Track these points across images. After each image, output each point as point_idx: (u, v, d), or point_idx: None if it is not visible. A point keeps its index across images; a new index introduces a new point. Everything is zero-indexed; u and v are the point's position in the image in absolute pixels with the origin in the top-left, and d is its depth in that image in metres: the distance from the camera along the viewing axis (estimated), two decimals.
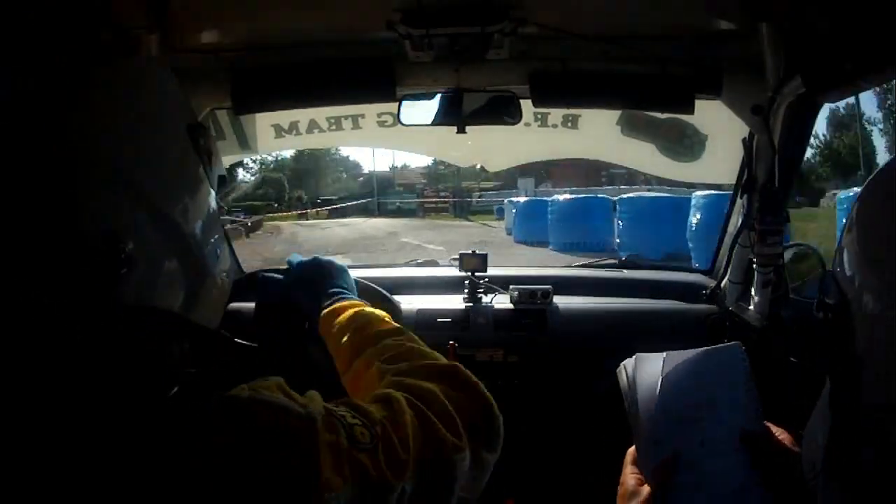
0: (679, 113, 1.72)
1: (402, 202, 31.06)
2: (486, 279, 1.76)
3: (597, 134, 2.09)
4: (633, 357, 0.74)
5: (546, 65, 1.45)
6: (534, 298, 1.69)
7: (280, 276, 1.04)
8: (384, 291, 1.67)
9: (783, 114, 1.33)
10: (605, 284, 1.86)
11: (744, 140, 1.48)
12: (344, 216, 27.26)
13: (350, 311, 0.86)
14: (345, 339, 0.81)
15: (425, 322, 1.64)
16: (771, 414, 0.71)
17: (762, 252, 1.39)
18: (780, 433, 0.70)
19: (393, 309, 1.66)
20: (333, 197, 33.37)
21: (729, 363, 0.71)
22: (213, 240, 0.60)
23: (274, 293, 1.02)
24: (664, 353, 0.73)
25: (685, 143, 1.97)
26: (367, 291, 1.66)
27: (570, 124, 2.07)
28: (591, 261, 2.21)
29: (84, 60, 0.50)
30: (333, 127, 2.12)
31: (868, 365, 0.50)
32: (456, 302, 1.71)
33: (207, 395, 0.49)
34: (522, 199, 17.83)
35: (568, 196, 13.59)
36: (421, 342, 0.77)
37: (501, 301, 1.72)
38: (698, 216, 8.82)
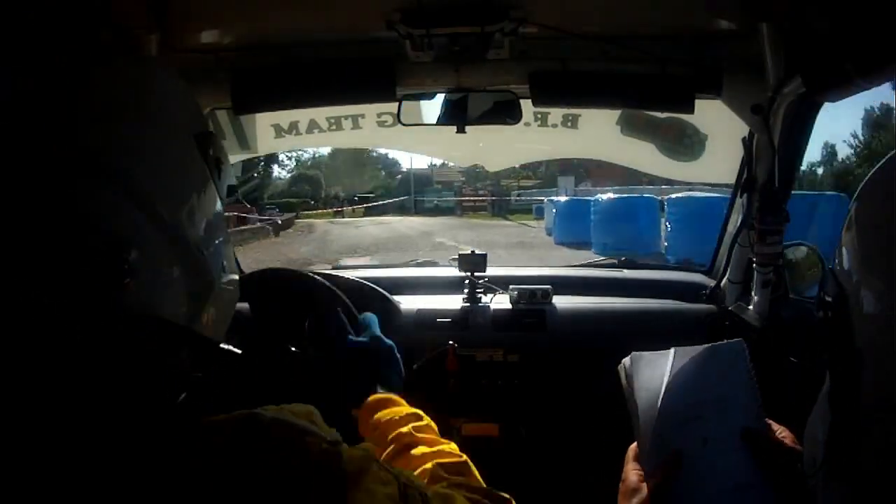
0: (679, 113, 1.72)
1: (439, 200, 30.48)
2: (486, 279, 1.76)
3: (597, 133, 2.09)
4: (630, 355, 0.74)
5: (546, 65, 1.45)
6: (533, 298, 1.69)
7: (360, 339, 1.07)
8: (384, 292, 1.68)
9: (783, 114, 1.33)
10: (604, 284, 1.86)
11: (744, 140, 1.49)
12: (381, 214, 26.88)
13: (407, 409, 0.91)
14: (395, 433, 0.84)
15: (425, 322, 1.64)
16: (771, 413, 0.71)
17: (762, 252, 1.39)
18: (781, 431, 0.70)
19: (393, 309, 1.66)
20: (371, 194, 33.02)
21: (731, 360, 0.71)
22: (219, 250, 0.59)
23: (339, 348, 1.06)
24: (667, 351, 0.73)
25: (685, 143, 1.97)
26: (368, 291, 1.67)
27: (569, 124, 2.07)
28: (591, 261, 2.21)
29: (85, 61, 0.49)
30: (333, 127, 2.12)
31: (867, 364, 0.50)
32: (456, 302, 1.71)
33: (216, 409, 0.49)
34: (563, 198, 16.93)
35: (612, 195, 12.67)
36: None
37: (501, 301, 1.72)
38: None
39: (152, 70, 0.57)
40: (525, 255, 11.53)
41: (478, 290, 1.74)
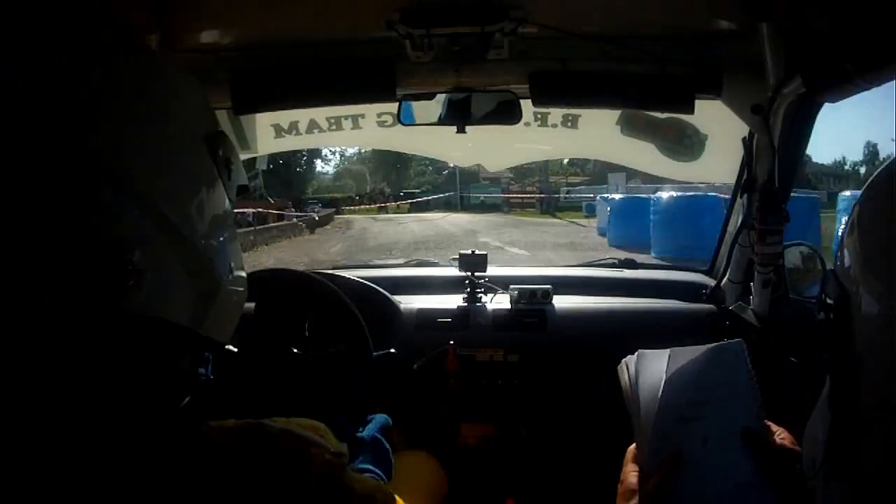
0: (679, 113, 1.72)
1: (486, 197, 29.93)
2: (486, 279, 1.76)
3: (597, 133, 2.09)
4: (636, 353, 0.74)
5: (546, 65, 1.45)
6: (534, 298, 1.69)
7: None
8: (384, 292, 1.68)
9: (783, 114, 1.33)
10: (605, 284, 1.86)
11: (744, 140, 1.49)
12: (426, 210, 26.44)
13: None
14: None
15: (425, 322, 1.64)
16: (771, 413, 0.71)
17: (762, 252, 1.39)
18: (780, 432, 0.70)
19: (393, 309, 1.66)
20: (416, 190, 32.66)
21: (731, 360, 0.71)
22: (226, 250, 0.58)
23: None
24: (668, 350, 0.73)
25: (685, 143, 1.97)
26: (368, 292, 1.67)
27: (570, 124, 2.07)
28: (591, 260, 2.21)
29: (86, 60, 0.49)
30: (333, 127, 2.12)
31: (868, 364, 0.50)
32: (456, 302, 1.71)
33: (216, 410, 0.49)
34: (618, 195, 15.33)
35: (673, 194, 10.96)
36: None
37: (501, 301, 1.72)
38: (845, 218, 7.90)
39: (157, 69, 0.56)
40: (575, 258, 10.57)
41: (478, 290, 1.74)
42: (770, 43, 1.25)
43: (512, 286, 1.71)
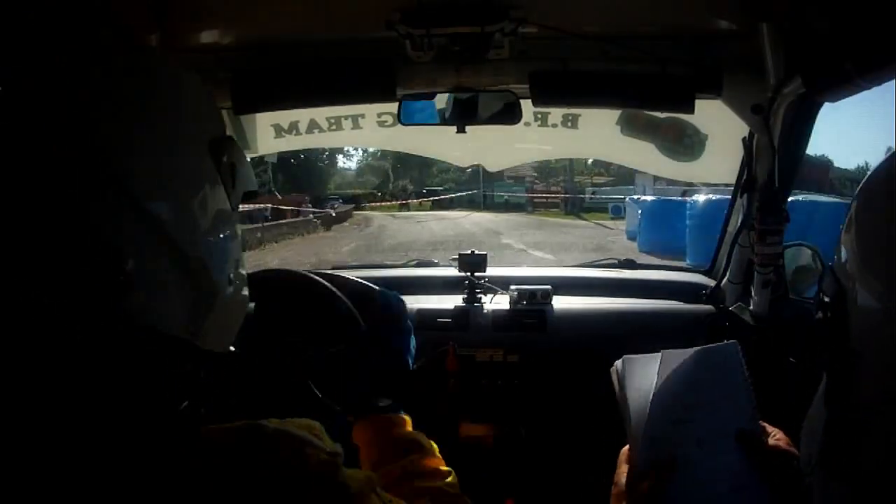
0: (679, 113, 1.72)
1: (510, 196, 29.26)
2: (486, 279, 1.76)
3: (597, 133, 2.09)
4: (622, 357, 0.74)
5: (546, 65, 1.45)
6: (533, 299, 1.69)
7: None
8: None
9: (783, 114, 1.33)
10: (604, 284, 1.86)
11: (744, 140, 1.49)
12: (448, 208, 26.01)
13: (409, 435, 0.88)
14: (396, 462, 0.82)
15: (425, 322, 1.64)
16: (770, 414, 0.71)
17: (762, 252, 1.39)
18: (775, 433, 0.70)
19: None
20: (439, 188, 32.33)
21: (725, 362, 0.71)
22: (225, 258, 0.57)
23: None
24: (659, 353, 0.72)
25: (685, 143, 1.97)
26: (368, 291, 1.66)
27: (570, 124, 2.07)
28: (591, 261, 2.21)
29: (84, 61, 0.48)
30: (333, 127, 2.12)
31: (865, 360, 0.50)
32: (456, 302, 1.71)
33: (215, 411, 0.49)
34: (649, 197, 14.22)
35: (711, 197, 9.69)
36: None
37: (501, 301, 1.72)
38: None
39: (157, 69, 0.55)
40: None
41: (478, 291, 1.74)
42: (770, 43, 1.25)
43: (512, 287, 1.70)
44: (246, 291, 0.63)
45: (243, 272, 0.62)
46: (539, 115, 2.05)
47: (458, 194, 28.92)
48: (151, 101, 0.52)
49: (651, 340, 0.83)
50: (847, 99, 1.13)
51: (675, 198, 12.37)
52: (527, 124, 1.98)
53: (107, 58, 0.51)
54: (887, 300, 0.48)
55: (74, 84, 0.47)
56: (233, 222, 0.59)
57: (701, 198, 10.05)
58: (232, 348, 0.71)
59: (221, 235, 0.56)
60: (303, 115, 2.08)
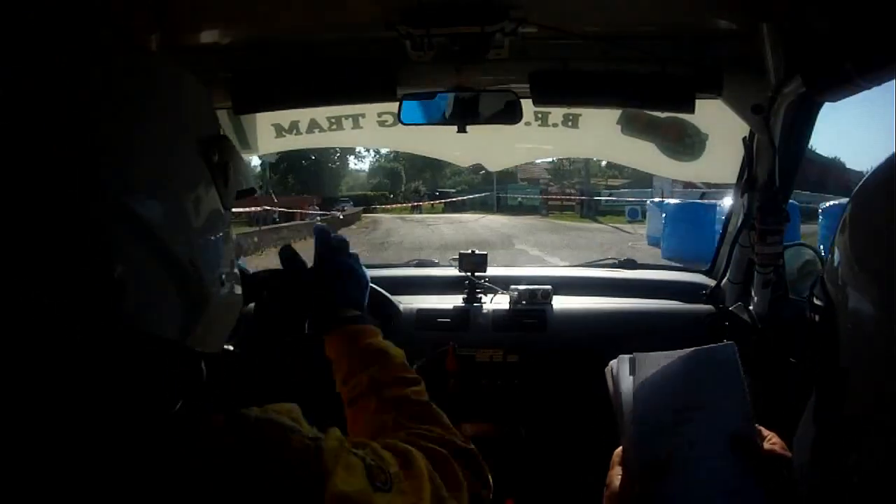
0: (679, 112, 1.72)
1: (524, 198, 28.91)
2: (486, 279, 1.76)
3: (597, 133, 2.09)
4: (617, 358, 0.74)
5: (546, 64, 1.45)
6: (534, 299, 1.69)
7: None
8: (384, 292, 1.68)
9: (783, 113, 1.33)
10: (605, 284, 1.86)
11: (744, 139, 1.48)
12: (461, 211, 25.67)
13: (376, 344, 0.84)
14: (364, 372, 0.80)
15: (425, 322, 1.64)
16: (770, 414, 0.71)
17: (762, 252, 1.39)
18: (770, 436, 0.69)
19: (393, 309, 1.66)
20: (452, 190, 32.09)
21: (721, 364, 0.70)
22: (217, 260, 0.56)
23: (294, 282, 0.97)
24: (652, 354, 0.72)
25: (686, 143, 1.97)
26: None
27: (570, 124, 2.07)
28: (590, 261, 2.21)
29: (71, 62, 0.48)
30: (334, 126, 2.12)
31: (856, 371, 0.50)
32: (456, 302, 1.71)
33: (214, 411, 0.49)
34: (674, 200, 13.46)
35: None
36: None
37: (501, 301, 1.72)
38: None
39: (153, 70, 0.55)
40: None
41: (478, 290, 1.74)
42: (770, 43, 1.25)
43: (512, 286, 1.70)
44: (239, 291, 0.63)
45: (237, 271, 0.62)
46: (539, 115, 2.05)
47: (471, 196, 28.64)
48: (149, 102, 0.52)
49: (651, 340, 0.83)
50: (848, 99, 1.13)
51: (702, 201, 11.79)
52: (527, 124, 1.98)
53: (107, 58, 0.51)
54: (882, 303, 0.48)
55: (74, 84, 0.47)
56: (226, 222, 0.59)
57: (727, 201, 9.50)
58: (231, 348, 0.71)
59: (213, 236, 0.56)
60: (303, 115, 2.08)
